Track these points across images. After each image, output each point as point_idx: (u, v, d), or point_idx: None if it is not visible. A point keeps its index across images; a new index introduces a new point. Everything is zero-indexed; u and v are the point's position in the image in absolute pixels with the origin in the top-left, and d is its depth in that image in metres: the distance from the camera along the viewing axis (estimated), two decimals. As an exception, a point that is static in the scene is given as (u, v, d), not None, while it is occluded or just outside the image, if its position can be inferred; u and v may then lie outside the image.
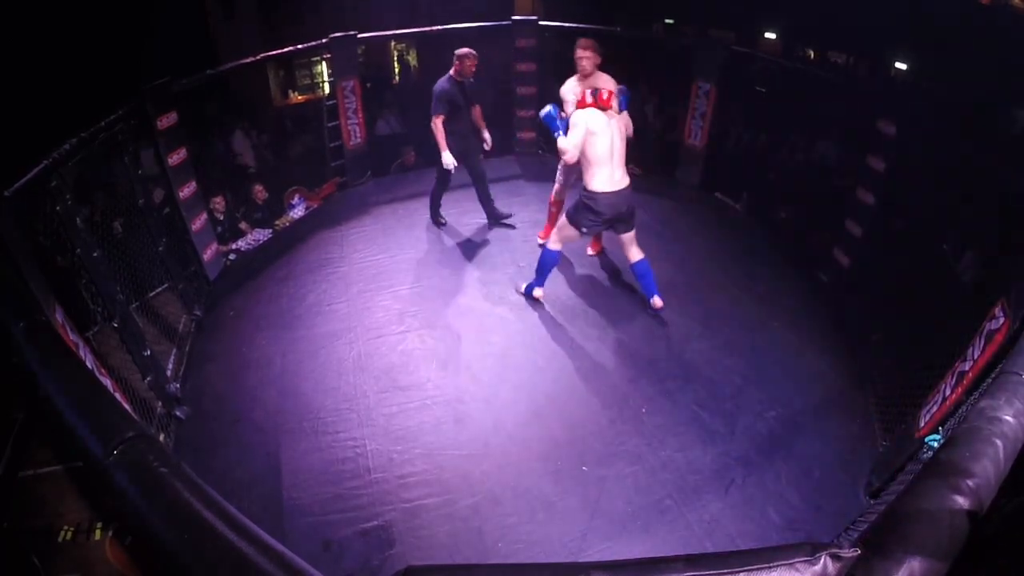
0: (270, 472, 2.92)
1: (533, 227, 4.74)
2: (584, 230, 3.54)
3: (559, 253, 3.75)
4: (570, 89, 3.81)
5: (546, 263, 3.76)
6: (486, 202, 4.72)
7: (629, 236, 3.59)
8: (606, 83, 3.67)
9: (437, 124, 4.15)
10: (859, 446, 3.11)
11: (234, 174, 5.49)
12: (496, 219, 4.78)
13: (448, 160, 4.20)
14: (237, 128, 5.90)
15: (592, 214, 3.43)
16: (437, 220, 4.85)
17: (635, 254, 3.65)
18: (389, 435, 3.08)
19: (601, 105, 3.34)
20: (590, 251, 4.40)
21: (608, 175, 3.35)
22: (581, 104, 3.40)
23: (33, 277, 2.32)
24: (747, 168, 5.58)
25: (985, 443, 1.23)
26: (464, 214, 5.00)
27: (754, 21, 8.63)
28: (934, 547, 0.97)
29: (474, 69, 4.16)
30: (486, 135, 4.48)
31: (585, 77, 3.76)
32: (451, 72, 4.18)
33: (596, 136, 3.30)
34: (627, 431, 3.10)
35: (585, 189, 3.44)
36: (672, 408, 3.25)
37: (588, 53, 3.70)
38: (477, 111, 4.40)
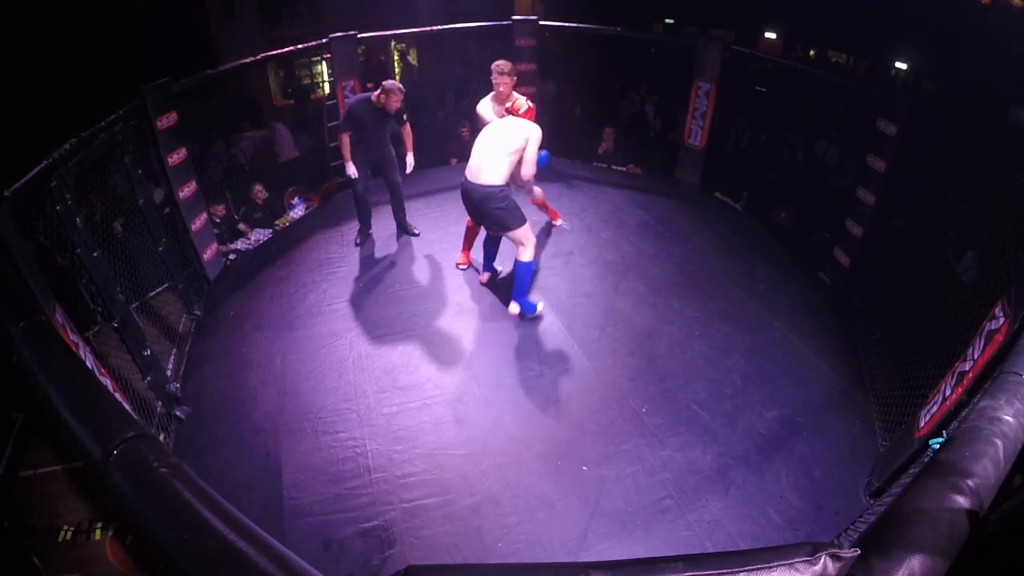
0: (270, 472, 2.91)
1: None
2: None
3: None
4: (487, 110, 3.95)
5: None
6: (397, 212, 4.74)
7: (513, 236, 3.68)
8: (517, 100, 3.82)
9: (343, 140, 4.20)
10: (859, 446, 3.11)
11: (234, 174, 5.48)
12: (404, 229, 4.81)
13: (351, 170, 4.28)
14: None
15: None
16: (365, 232, 4.73)
17: (520, 254, 3.74)
18: (389, 435, 3.08)
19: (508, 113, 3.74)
20: (459, 261, 4.40)
21: (469, 168, 3.59)
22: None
23: (33, 277, 2.32)
24: (747, 168, 5.58)
25: (985, 443, 1.23)
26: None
27: (754, 21, 8.65)
28: (934, 547, 0.98)
29: (398, 105, 4.09)
30: (409, 158, 4.42)
31: (501, 100, 3.85)
32: (371, 96, 4.13)
33: (479, 136, 3.64)
34: (627, 431, 3.10)
35: None
36: (672, 408, 3.25)
37: (505, 80, 3.82)
38: (407, 130, 4.33)
